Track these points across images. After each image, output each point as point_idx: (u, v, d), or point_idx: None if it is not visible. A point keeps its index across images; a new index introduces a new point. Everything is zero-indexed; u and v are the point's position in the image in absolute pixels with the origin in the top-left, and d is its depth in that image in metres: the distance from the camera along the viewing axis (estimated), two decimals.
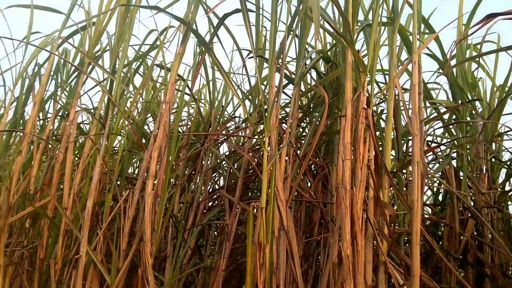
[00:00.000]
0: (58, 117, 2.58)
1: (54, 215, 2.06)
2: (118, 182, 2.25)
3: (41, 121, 2.57)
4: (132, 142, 2.59)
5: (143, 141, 2.27)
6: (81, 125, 2.67)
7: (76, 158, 2.50)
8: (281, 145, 1.65)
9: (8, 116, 2.42)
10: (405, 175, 1.93)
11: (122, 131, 2.27)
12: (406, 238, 1.76)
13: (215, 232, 2.45)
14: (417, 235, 1.06)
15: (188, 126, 2.62)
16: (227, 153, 2.77)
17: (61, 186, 2.20)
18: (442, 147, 2.17)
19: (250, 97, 2.41)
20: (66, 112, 2.49)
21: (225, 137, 2.42)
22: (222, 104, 2.66)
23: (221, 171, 2.84)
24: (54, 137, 2.48)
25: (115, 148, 2.47)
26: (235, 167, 2.24)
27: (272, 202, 1.38)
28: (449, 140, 2.16)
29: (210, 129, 2.21)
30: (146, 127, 2.81)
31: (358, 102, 1.19)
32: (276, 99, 1.47)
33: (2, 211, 1.74)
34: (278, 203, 1.40)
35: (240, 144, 2.58)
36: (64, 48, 2.54)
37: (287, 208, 1.43)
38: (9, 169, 2.26)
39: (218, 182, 2.92)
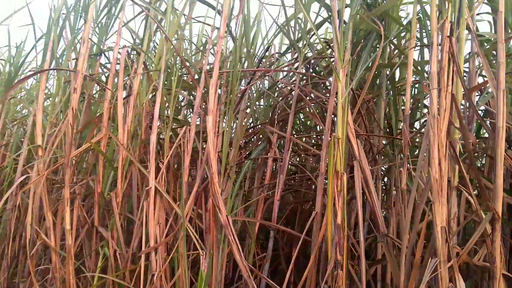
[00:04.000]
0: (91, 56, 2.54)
1: (106, 151, 2.11)
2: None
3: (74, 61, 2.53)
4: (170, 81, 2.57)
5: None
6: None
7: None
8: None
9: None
10: None
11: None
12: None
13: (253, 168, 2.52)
14: (501, 158, 1.13)
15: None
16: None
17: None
18: None
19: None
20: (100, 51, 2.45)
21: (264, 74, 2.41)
22: (257, 39, 2.61)
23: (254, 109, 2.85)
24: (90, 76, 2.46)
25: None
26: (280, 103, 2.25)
27: (344, 134, 1.43)
28: None
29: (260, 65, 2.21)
30: None
31: (442, 30, 1.20)
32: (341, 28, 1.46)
33: (65, 146, 1.78)
34: (349, 134, 1.46)
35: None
36: None
37: (357, 139, 1.48)
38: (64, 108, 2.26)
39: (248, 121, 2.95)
